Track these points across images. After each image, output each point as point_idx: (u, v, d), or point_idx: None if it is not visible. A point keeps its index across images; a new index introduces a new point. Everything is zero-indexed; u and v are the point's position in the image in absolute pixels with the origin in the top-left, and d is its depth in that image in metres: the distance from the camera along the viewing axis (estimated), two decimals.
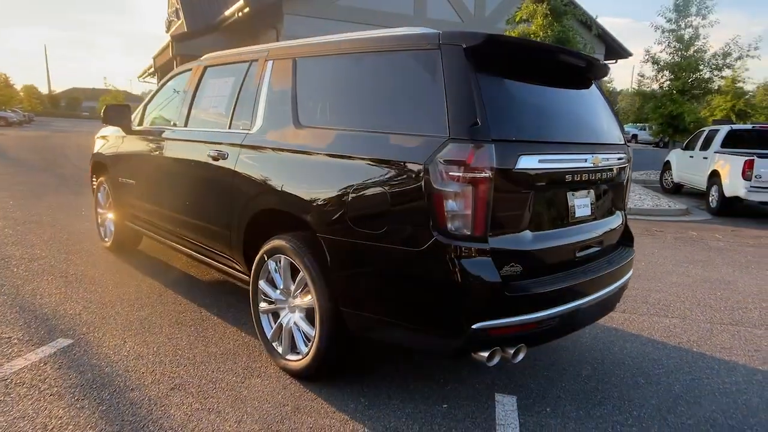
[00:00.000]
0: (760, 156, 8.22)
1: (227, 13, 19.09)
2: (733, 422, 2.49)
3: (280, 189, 2.65)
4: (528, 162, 2.09)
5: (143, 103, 4.43)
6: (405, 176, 2.07)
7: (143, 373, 2.73)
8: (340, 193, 2.31)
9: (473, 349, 2.05)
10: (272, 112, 2.86)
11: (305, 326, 2.61)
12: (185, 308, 3.64)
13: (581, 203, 2.46)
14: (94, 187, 5.28)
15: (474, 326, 1.99)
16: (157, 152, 3.82)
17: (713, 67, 14.25)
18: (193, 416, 2.35)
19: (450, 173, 1.96)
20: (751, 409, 2.61)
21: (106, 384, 2.60)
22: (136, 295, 3.86)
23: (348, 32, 2.64)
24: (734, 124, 12.12)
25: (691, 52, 14.28)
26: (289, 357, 2.73)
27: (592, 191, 2.54)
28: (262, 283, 2.87)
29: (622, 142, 2.89)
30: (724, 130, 9.83)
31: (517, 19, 10.85)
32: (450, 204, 1.97)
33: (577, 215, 2.43)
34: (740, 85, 17.65)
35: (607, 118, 2.82)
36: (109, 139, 4.89)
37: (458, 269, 1.97)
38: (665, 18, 14.62)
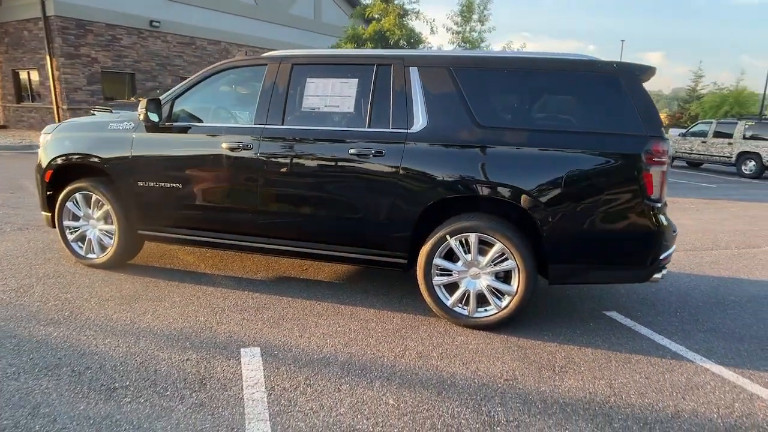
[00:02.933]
0: None
1: None
2: None
3: (472, 178, 3.22)
4: (670, 150, 3.26)
5: (169, 97, 4.00)
6: (622, 162, 3.02)
7: (379, 352, 2.99)
8: (555, 176, 3.07)
9: (655, 273, 3.15)
10: (439, 113, 3.33)
11: (502, 286, 3.28)
12: (299, 304, 3.71)
13: None
14: (49, 195, 4.38)
15: (661, 257, 3.10)
16: (235, 151, 3.67)
17: None
18: (468, 364, 2.85)
19: (654, 159, 2.99)
20: None
21: (377, 373, 2.82)
22: (230, 301, 3.70)
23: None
24: None
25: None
26: (477, 315, 3.36)
27: None
28: (438, 260, 3.37)
29: None
30: None
31: (368, 15, 11.85)
32: (653, 179, 3.00)
33: None
34: None
35: None
36: (92, 137, 4.19)
37: (658, 222, 3.05)
38: (453, 21, 17.67)
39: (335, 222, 3.57)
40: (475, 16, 17.41)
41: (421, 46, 12.57)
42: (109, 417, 2.29)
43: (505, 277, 3.32)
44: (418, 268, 3.44)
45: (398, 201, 3.38)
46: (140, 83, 19.25)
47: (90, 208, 4.27)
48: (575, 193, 3.09)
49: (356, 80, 3.55)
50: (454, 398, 2.55)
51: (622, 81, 3.09)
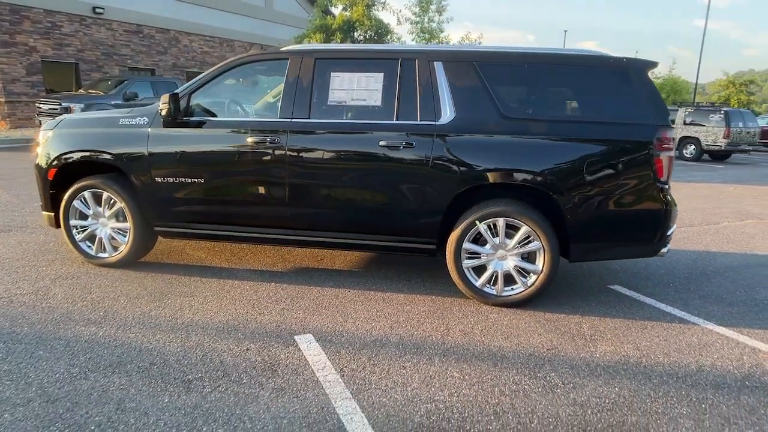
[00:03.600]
0: None
1: None
2: None
3: (500, 166, 3.45)
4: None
5: (185, 91, 3.96)
6: (635, 149, 3.33)
7: (425, 332, 3.19)
8: (576, 164, 3.36)
9: (662, 248, 3.51)
10: (466, 105, 3.53)
11: (528, 265, 3.55)
12: (330, 292, 3.84)
13: None
14: (50, 194, 4.24)
15: (668, 232, 3.47)
16: (261, 145, 3.72)
17: None
18: (509, 338, 3.11)
19: (663, 145, 3.33)
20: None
21: (432, 350, 3.01)
22: (261, 293, 3.78)
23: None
24: None
25: (434, 42, 17.95)
26: (505, 294, 3.62)
27: None
28: (467, 244, 3.59)
29: None
30: None
31: (334, 4, 11.83)
32: (663, 164, 3.35)
33: None
34: None
35: None
36: (101, 132, 4.09)
37: (667, 201, 3.41)
38: (411, 11, 17.86)
39: (365, 212, 3.71)
40: (433, 7, 17.69)
41: (389, 37, 12.74)
42: (199, 406, 2.36)
43: (529, 257, 3.59)
44: (447, 253, 3.65)
45: (429, 190, 3.56)
46: (85, 74, 18.23)
47: (100, 206, 4.18)
48: (594, 178, 3.39)
49: (382, 74, 3.68)
50: (510, 368, 2.79)
51: (632, 74, 3.41)
